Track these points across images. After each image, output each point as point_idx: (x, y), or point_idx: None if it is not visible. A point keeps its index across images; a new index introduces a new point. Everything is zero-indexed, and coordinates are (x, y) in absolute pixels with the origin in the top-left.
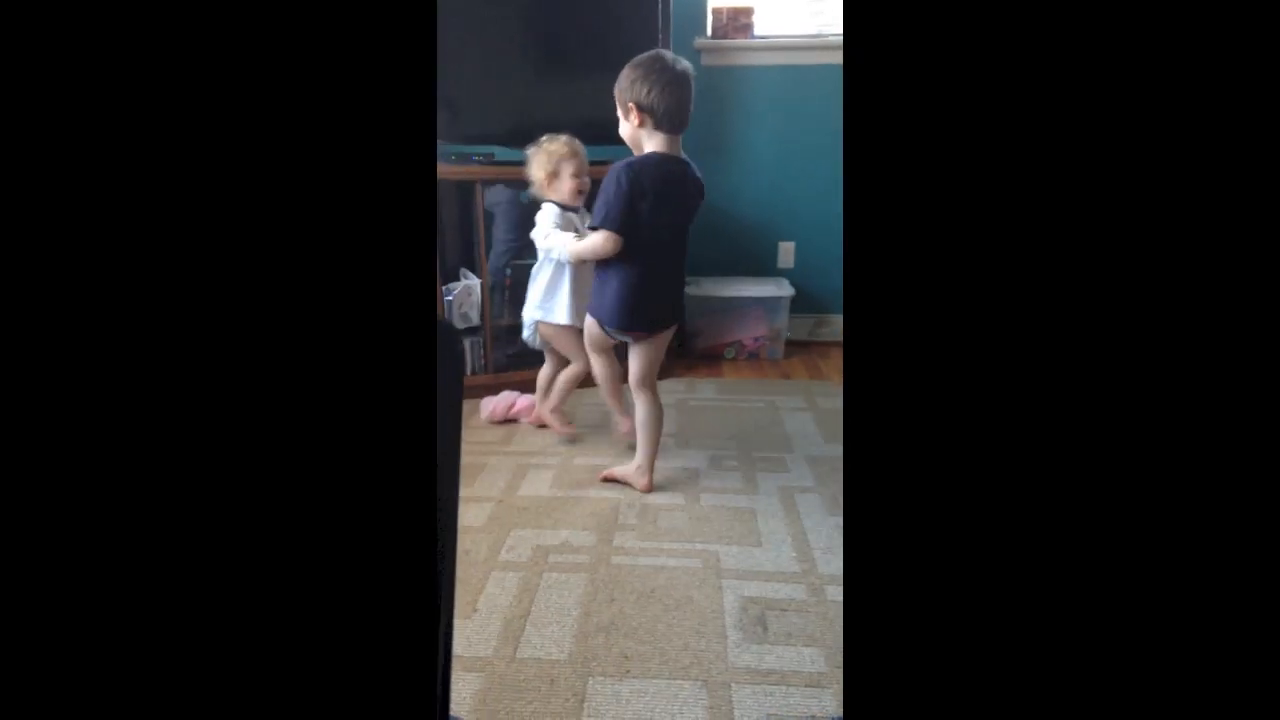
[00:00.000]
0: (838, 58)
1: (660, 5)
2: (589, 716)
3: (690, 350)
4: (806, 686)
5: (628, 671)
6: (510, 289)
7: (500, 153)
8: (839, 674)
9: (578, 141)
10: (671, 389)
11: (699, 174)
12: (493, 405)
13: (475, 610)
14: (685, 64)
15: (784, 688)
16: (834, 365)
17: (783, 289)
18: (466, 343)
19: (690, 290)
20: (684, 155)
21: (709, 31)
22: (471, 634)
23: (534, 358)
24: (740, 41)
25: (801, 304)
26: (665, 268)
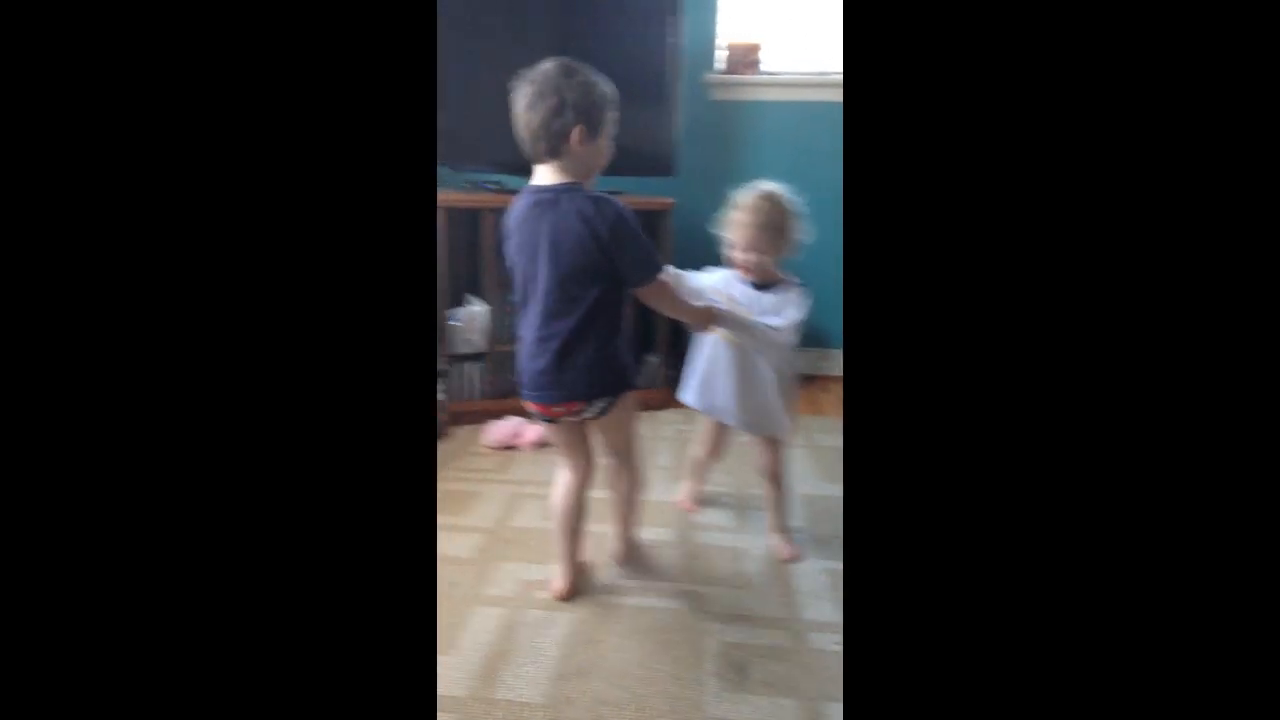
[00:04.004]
0: (841, 96)
1: (670, 40)
2: None
3: None
4: None
5: (601, 718)
6: (513, 315)
7: (511, 181)
8: None
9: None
10: (669, 420)
11: None
12: (497, 430)
13: (454, 647)
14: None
15: None
16: (834, 400)
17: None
18: (472, 368)
19: None
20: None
21: (718, 66)
22: (449, 671)
23: None
24: (749, 77)
25: (805, 338)
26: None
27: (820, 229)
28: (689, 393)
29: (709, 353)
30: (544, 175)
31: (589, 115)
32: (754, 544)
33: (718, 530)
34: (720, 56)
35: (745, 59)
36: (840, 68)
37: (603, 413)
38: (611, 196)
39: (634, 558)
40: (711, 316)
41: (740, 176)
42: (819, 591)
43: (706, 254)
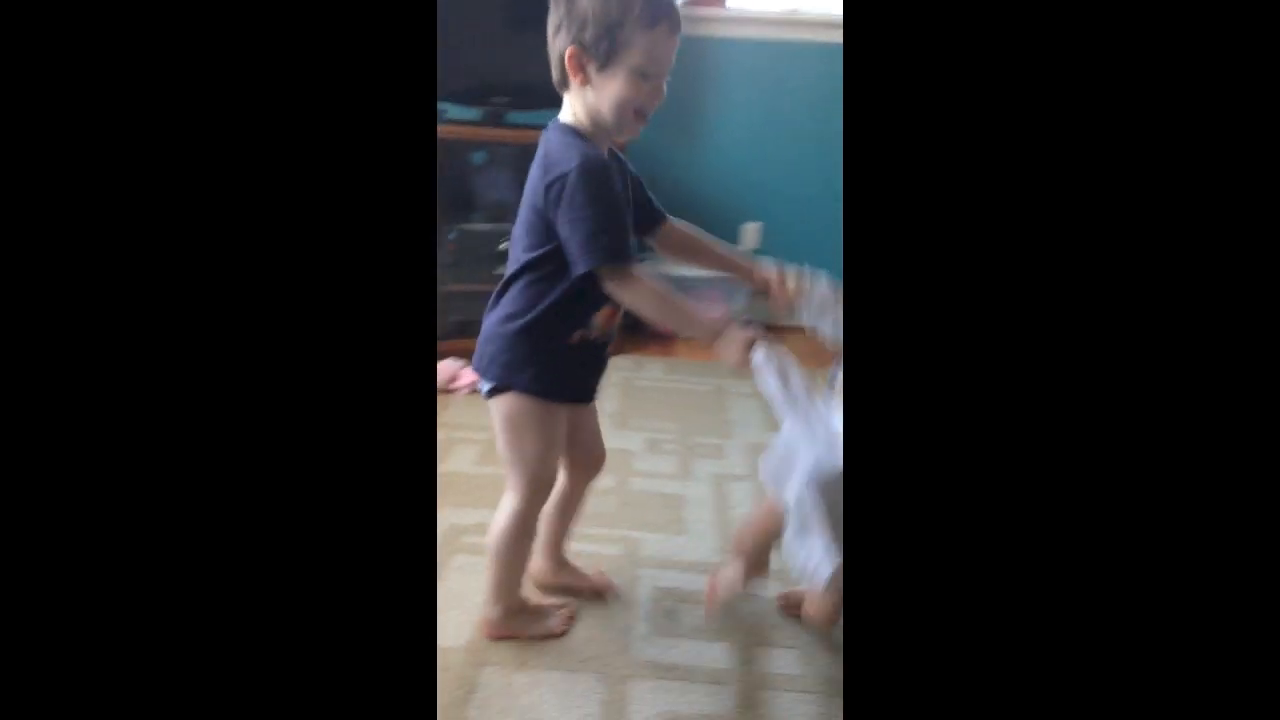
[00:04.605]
0: (812, 34)
1: None
2: (475, 709)
3: (642, 328)
4: (707, 683)
5: (525, 663)
6: (454, 254)
7: (453, 111)
8: (744, 672)
9: None
10: (618, 366)
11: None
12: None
13: None
14: None
15: (683, 684)
16: (793, 350)
17: None
18: None
19: (646, 267)
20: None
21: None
22: None
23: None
24: (712, 11)
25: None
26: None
27: (783, 172)
28: (764, 466)
29: (789, 426)
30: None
31: (585, 34)
32: (695, 491)
33: (660, 478)
34: None
35: None
36: (806, 7)
37: (488, 396)
38: (583, 145)
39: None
40: (722, 340)
41: (703, 117)
42: None
43: (660, 195)
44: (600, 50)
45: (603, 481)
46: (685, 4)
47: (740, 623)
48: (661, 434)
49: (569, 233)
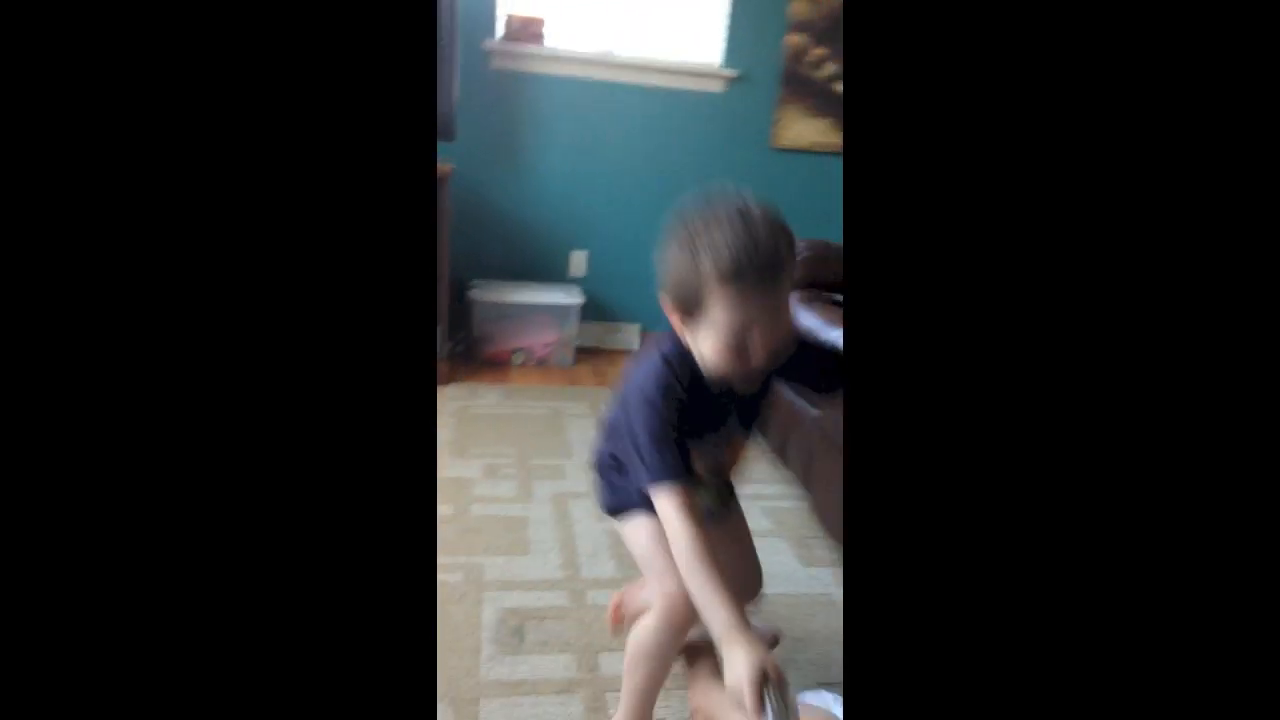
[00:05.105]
0: (627, 76)
1: (447, 1)
2: None
3: (475, 355)
4: (556, 694)
5: None
6: None
7: None
8: (589, 678)
9: None
10: (453, 395)
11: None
12: None
13: None
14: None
15: (533, 698)
16: (621, 372)
17: (572, 296)
18: None
19: (477, 295)
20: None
21: (500, 34)
22: None
23: None
24: (531, 49)
25: (593, 312)
26: None
27: (605, 203)
28: None
29: None
30: None
31: (670, 289)
32: (537, 511)
33: (500, 501)
34: (500, 26)
35: (527, 30)
36: (620, 50)
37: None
38: (665, 370)
39: None
40: (734, 656)
41: (522, 147)
42: (599, 551)
43: (487, 223)
44: (684, 306)
45: (441, 510)
46: (505, 40)
47: (587, 631)
48: (500, 459)
49: (630, 445)
